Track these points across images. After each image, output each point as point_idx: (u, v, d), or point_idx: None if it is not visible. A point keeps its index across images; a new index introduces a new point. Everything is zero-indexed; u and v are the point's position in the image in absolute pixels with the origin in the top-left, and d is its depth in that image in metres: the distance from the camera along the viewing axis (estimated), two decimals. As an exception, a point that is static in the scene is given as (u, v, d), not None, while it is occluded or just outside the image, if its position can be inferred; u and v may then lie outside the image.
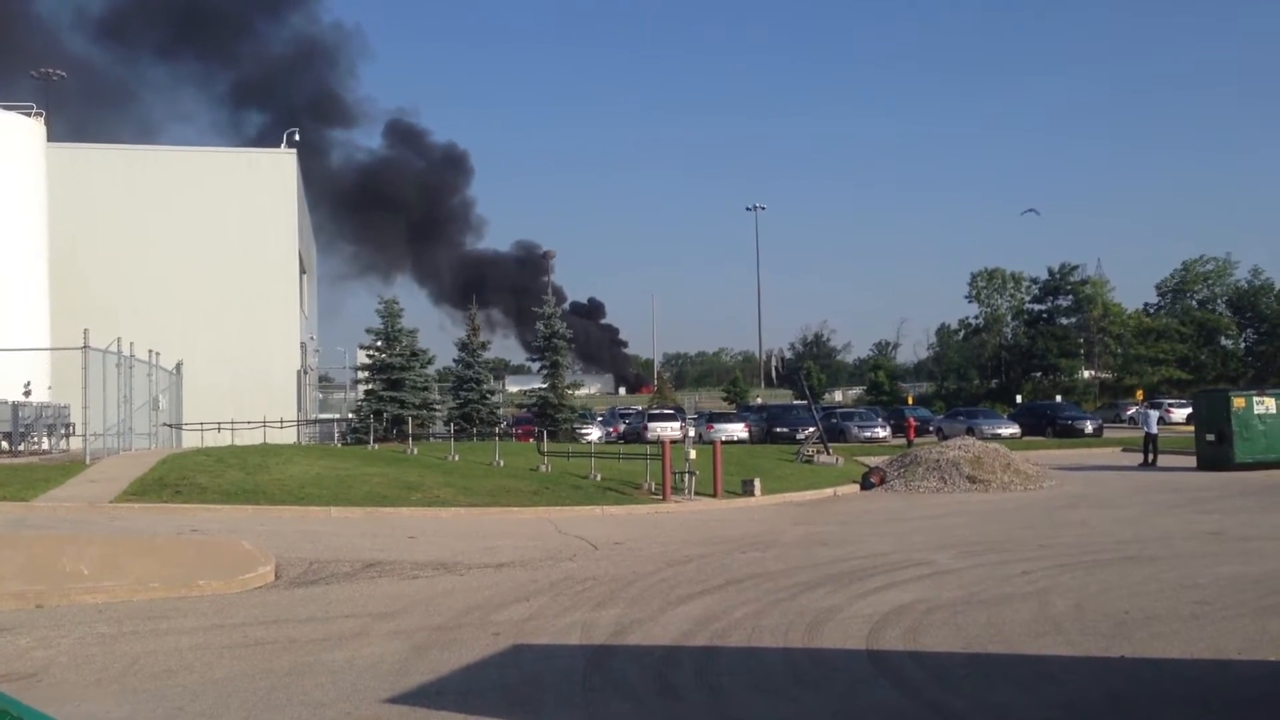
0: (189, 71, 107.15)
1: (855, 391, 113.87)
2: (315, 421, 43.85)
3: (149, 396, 29.31)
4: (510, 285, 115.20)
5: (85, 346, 22.59)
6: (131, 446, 26.56)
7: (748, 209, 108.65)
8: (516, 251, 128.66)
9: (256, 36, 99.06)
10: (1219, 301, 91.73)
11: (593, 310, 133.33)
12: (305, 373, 42.55)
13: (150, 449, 28.15)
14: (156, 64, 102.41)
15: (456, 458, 26.65)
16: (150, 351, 29.32)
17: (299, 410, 39.29)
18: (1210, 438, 28.63)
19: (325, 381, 57.36)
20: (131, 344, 26.37)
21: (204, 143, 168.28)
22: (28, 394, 26.98)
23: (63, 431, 27.94)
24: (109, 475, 20.47)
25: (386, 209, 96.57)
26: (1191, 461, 29.56)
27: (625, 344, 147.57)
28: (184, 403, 34.72)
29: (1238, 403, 28.06)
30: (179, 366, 34.41)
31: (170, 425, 32.67)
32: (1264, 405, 28.10)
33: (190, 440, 31.93)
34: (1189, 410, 50.15)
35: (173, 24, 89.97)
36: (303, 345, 41.84)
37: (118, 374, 25.20)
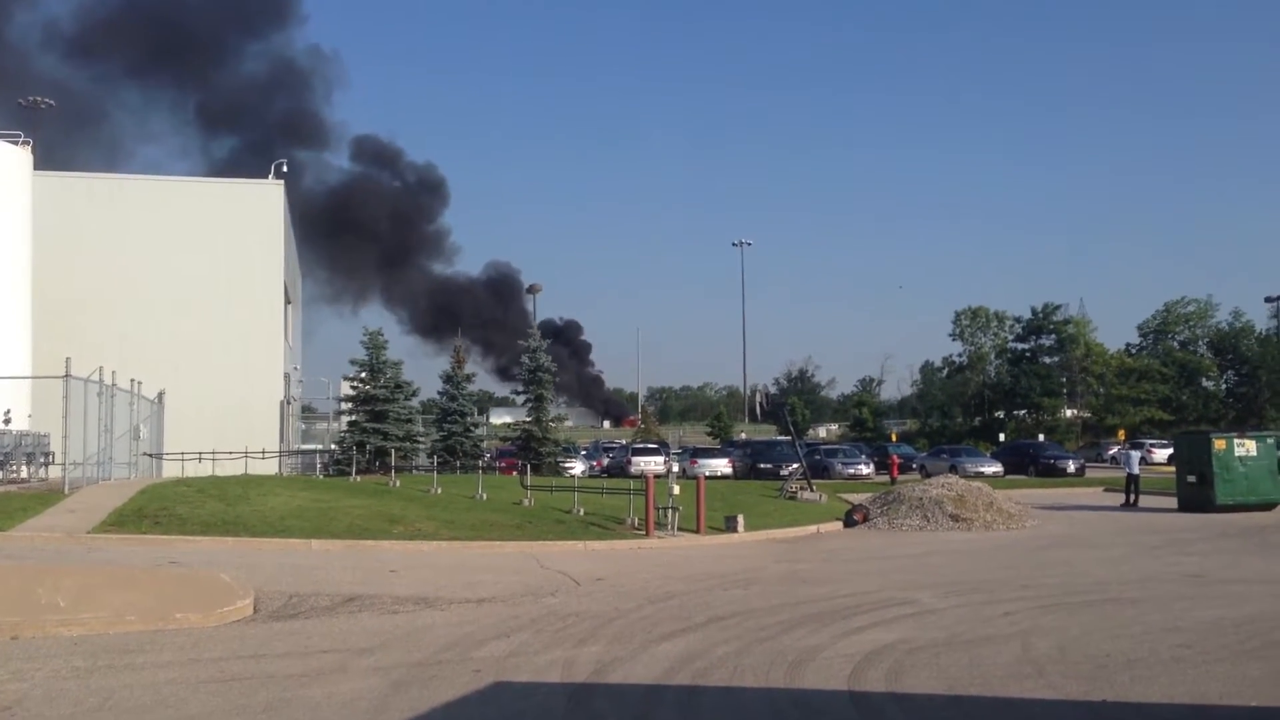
0: (160, 92, 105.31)
1: (834, 427, 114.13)
2: (298, 452, 43.63)
3: (130, 426, 29.12)
4: (483, 312, 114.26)
5: (67, 375, 22.45)
6: (111, 476, 26.36)
7: (734, 244, 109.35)
8: (489, 273, 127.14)
9: (231, 58, 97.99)
10: (1200, 343, 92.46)
11: (567, 330, 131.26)
12: (288, 403, 42.39)
13: (130, 479, 27.93)
14: (128, 84, 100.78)
15: (439, 490, 26.52)
16: (132, 380, 29.16)
17: (281, 441, 39.10)
18: (1191, 479, 28.73)
19: (308, 412, 57.10)
20: (114, 373, 26.22)
21: (173, 164, 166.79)
22: (7, 422, 26.77)
23: (42, 460, 27.72)
24: (88, 505, 20.30)
25: (358, 234, 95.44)
26: (1173, 502, 29.65)
27: (593, 364, 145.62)
28: (165, 432, 34.50)
29: (1219, 445, 28.18)
30: (161, 396, 34.22)
31: (151, 455, 32.45)
32: (1244, 448, 28.22)
33: (171, 470, 31.71)
34: (1170, 451, 50.40)
35: (145, 44, 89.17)
36: (286, 376, 41.69)
37: (99, 403, 25.04)
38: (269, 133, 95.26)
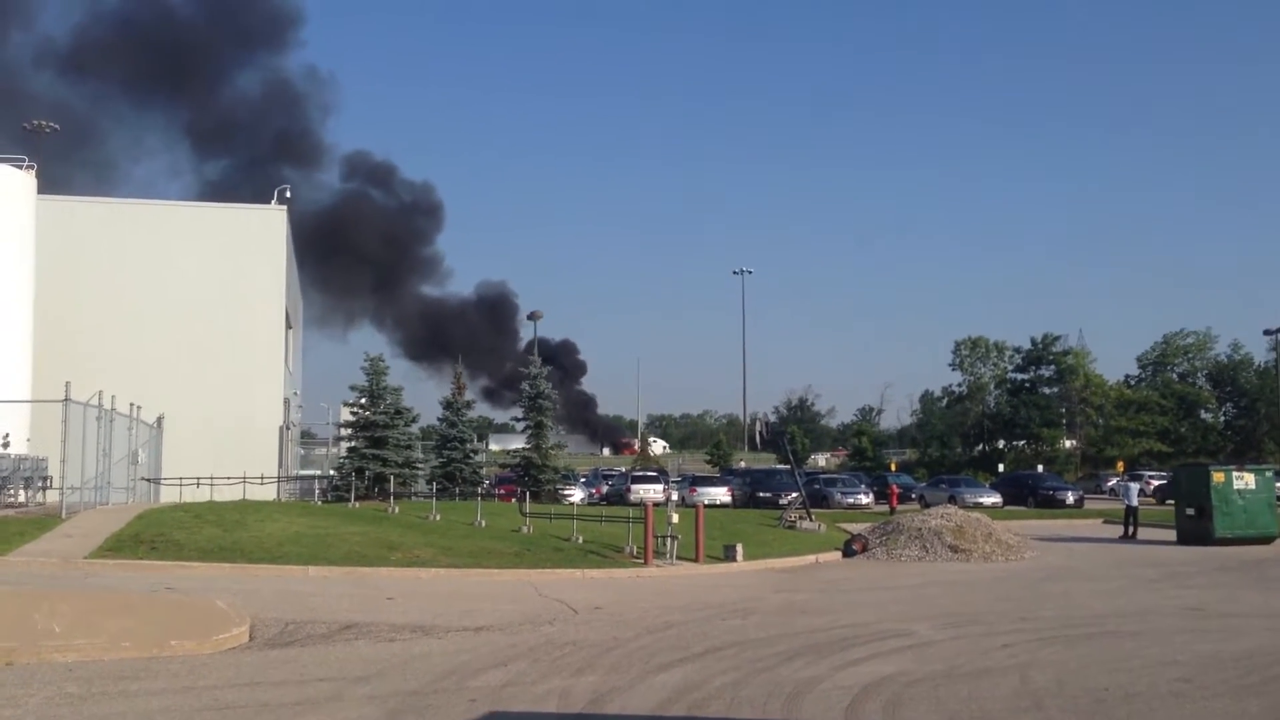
0: (154, 111, 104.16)
1: (826, 454, 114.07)
2: (296, 478, 43.57)
3: (128, 450, 29.12)
4: (475, 335, 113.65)
5: (66, 399, 22.48)
6: (109, 501, 26.33)
7: (734, 273, 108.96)
8: (482, 293, 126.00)
9: (226, 77, 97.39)
10: (1199, 375, 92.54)
11: (560, 351, 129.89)
12: (288, 428, 42.36)
13: (128, 503, 27.90)
14: (122, 103, 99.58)
15: (438, 517, 26.49)
16: (131, 405, 29.17)
17: (280, 466, 39.05)
18: (1190, 512, 28.69)
19: (308, 437, 57.05)
20: (113, 397, 26.24)
21: (165, 183, 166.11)
22: (6, 445, 26.77)
23: (40, 484, 27.69)
24: (85, 530, 20.27)
25: (351, 256, 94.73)
26: (1171, 535, 29.60)
27: (583, 386, 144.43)
28: (164, 457, 34.48)
29: (1217, 477, 28.16)
30: (160, 420, 34.23)
31: (149, 480, 32.41)
32: (1243, 481, 28.20)
33: (168, 495, 31.66)
34: (1159, 484, 50.60)
35: (140, 63, 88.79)
36: (286, 401, 41.69)
37: (98, 427, 25.06)
38: (263, 152, 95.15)
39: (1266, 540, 27.79)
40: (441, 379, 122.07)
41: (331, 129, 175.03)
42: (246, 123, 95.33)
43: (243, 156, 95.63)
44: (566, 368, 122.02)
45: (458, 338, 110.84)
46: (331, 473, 42.24)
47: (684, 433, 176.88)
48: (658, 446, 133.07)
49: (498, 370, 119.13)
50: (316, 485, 39.79)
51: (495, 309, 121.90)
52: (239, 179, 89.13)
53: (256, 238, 39.79)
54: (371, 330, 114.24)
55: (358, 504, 30.75)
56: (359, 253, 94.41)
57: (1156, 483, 55.07)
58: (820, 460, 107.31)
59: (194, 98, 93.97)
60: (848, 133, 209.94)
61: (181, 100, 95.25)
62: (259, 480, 34.09)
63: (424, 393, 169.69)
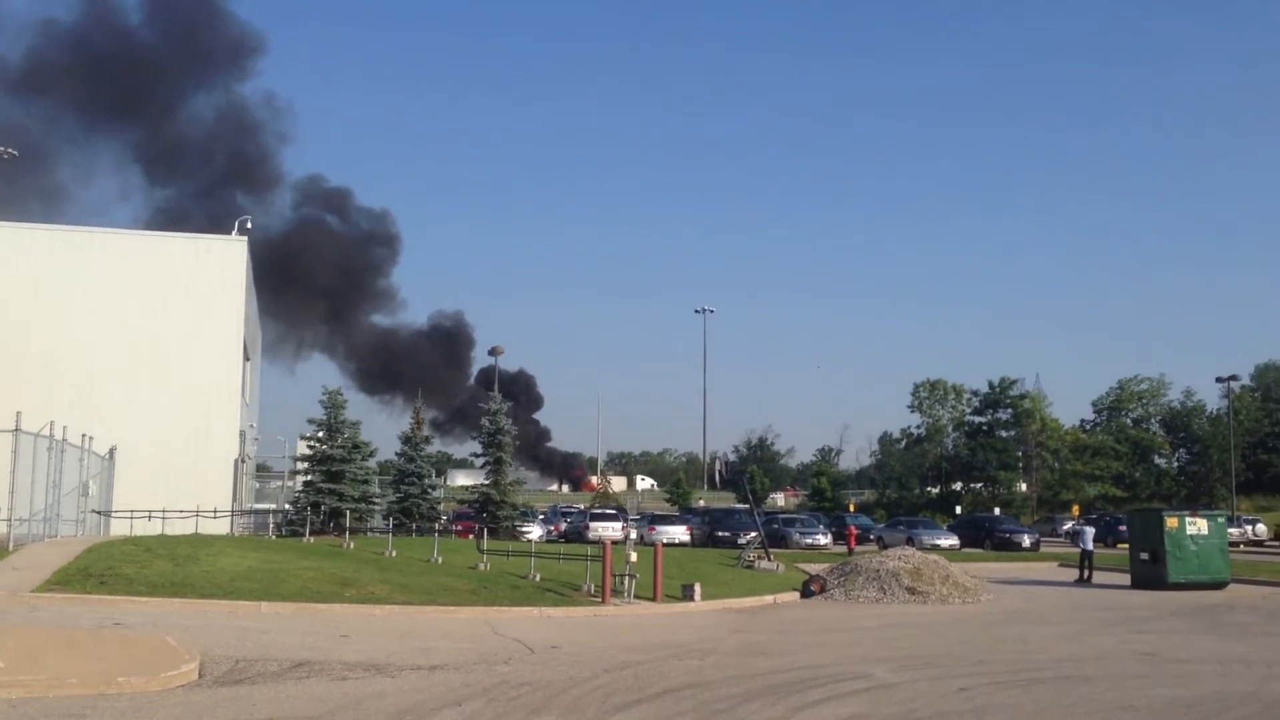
0: (106, 134, 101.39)
1: (779, 493, 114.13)
2: (251, 512, 42.99)
3: (79, 482, 28.62)
4: (427, 368, 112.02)
5: (17, 429, 22.10)
6: (58, 533, 25.84)
7: (696, 311, 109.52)
8: (435, 323, 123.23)
9: (182, 102, 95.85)
10: (1153, 420, 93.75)
11: (515, 381, 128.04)
12: (243, 461, 41.83)
13: (77, 536, 27.40)
14: (73, 125, 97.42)
15: (394, 553, 26.24)
16: (84, 436, 28.70)
17: (234, 500, 38.52)
18: (1144, 556, 28.97)
19: (263, 470, 56.34)
20: (65, 428, 25.81)
21: (116, 206, 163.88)
22: (-48, 475, 26.22)
23: (-14, 516, 27.11)
24: (32, 563, 19.86)
25: (302, 286, 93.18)
26: (1126, 579, 29.86)
27: (535, 416, 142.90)
28: (115, 489, 33.90)
29: (1171, 523, 28.47)
30: (112, 452, 33.68)
31: (99, 512, 31.85)
32: (1196, 526, 28.53)
33: (119, 528, 31.12)
34: (1122, 527, 50.94)
35: (93, 87, 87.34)
36: (242, 433, 41.19)
37: (48, 458, 24.61)
38: (217, 178, 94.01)
39: (1219, 585, 28.10)
40: (393, 412, 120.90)
41: (289, 155, 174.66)
42: (201, 148, 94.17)
43: (196, 182, 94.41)
44: (519, 398, 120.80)
45: (410, 370, 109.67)
46: (287, 507, 41.71)
47: (644, 470, 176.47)
48: (620, 482, 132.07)
49: (448, 403, 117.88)
50: (271, 519, 39.27)
51: (449, 340, 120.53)
52: (191, 205, 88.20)
53: (216, 268, 39.41)
54: (321, 361, 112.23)
55: (313, 539, 30.38)
56: (311, 282, 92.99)
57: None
58: (779, 500, 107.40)
59: (149, 123, 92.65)
60: (808, 176, 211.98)
61: (135, 125, 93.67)
62: (212, 514, 33.61)
63: (374, 425, 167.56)
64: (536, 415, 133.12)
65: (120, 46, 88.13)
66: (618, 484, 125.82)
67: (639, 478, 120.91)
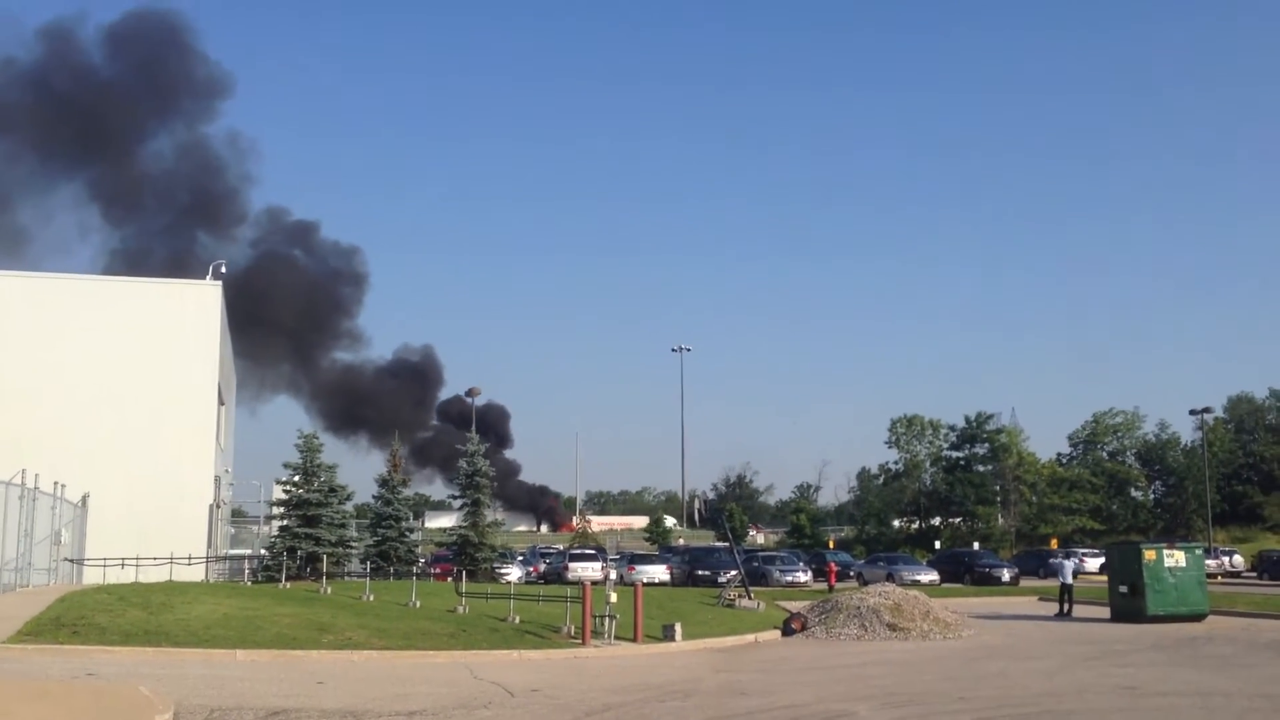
0: (68, 173, 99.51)
1: (765, 529, 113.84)
2: (226, 558, 42.58)
3: (51, 530, 28.29)
4: (390, 406, 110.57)
5: (-12, 477, 21.87)
6: (29, 583, 25.51)
7: (673, 350, 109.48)
8: (402, 356, 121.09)
9: (145, 140, 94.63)
10: (1128, 453, 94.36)
11: (486, 415, 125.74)
12: (218, 507, 41.48)
13: (49, 585, 27.05)
14: (32, 163, 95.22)
15: (371, 597, 26.03)
16: (56, 483, 28.41)
17: (209, 546, 38.15)
18: (1123, 589, 29.04)
19: (238, 515, 55.84)
20: (37, 476, 25.56)
21: (74, 245, 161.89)
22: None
23: (-44, 566, 26.75)
24: (3, 614, 19.54)
25: (267, 323, 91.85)
26: (1105, 612, 29.91)
27: (505, 454, 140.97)
28: (88, 537, 33.52)
29: (1149, 555, 28.57)
30: (85, 499, 33.33)
31: (72, 561, 31.46)
32: (1174, 559, 28.64)
33: (92, 576, 30.75)
34: (1102, 560, 51.04)
35: (54, 126, 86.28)
36: (217, 479, 40.88)
37: (20, 507, 24.37)
38: (178, 216, 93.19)
39: (1198, 618, 28.18)
40: (358, 452, 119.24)
41: (254, 195, 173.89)
42: (162, 188, 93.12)
43: (156, 222, 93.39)
44: (485, 433, 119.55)
45: (374, 412, 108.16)
46: (263, 552, 41.34)
47: (623, 509, 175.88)
48: (610, 521, 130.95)
49: (410, 439, 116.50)
50: (246, 565, 38.91)
51: (415, 376, 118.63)
52: (152, 244, 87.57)
53: (190, 313, 39.28)
54: (285, 403, 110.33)
55: (289, 584, 30.10)
56: (276, 320, 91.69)
57: (1092, 561, 55.75)
58: (759, 538, 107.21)
59: (109, 162, 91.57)
60: (786, 216, 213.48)
61: (95, 164, 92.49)
62: (187, 561, 33.26)
63: (343, 466, 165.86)
64: (507, 452, 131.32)
65: (81, 86, 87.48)
66: (603, 522, 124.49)
67: (586, 516, 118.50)
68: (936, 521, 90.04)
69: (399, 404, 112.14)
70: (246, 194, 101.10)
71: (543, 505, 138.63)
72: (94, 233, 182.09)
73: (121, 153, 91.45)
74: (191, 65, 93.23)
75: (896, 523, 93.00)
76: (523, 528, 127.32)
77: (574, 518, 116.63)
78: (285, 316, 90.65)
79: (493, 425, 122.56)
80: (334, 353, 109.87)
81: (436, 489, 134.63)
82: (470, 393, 69.60)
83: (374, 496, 42.73)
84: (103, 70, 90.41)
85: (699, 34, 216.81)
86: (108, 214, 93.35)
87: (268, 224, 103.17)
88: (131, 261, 79.41)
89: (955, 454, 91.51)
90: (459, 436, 44.04)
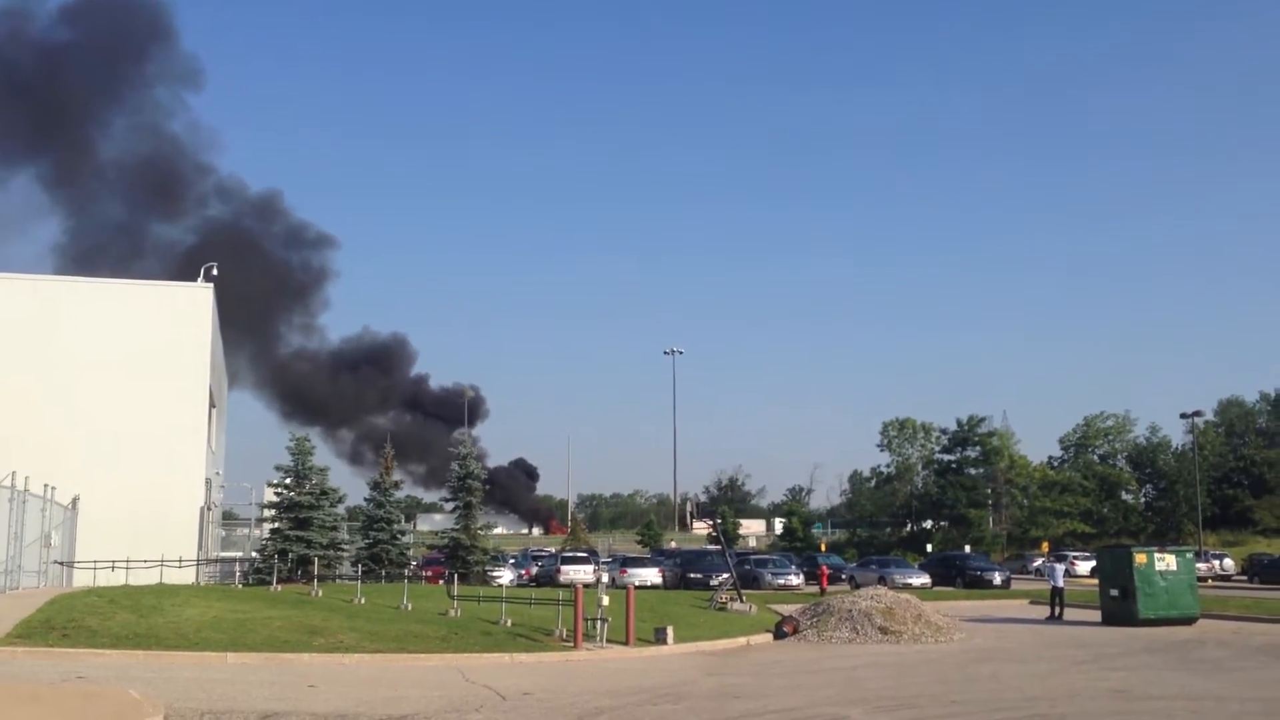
0: (22, 165, 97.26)
1: (753, 526, 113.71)
2: (216, 560, 42.45)
3: (41, 533, 28.18)
4: (351, 394, 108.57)
5: (-23, 480, 21.78)
6: (19, 585, 25.41)
7: (665, 353, 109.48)
8: (365, 343, 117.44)
9: (106, 129, 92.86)
10: (1119, 457, 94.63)
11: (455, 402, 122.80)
12: (209, 509, 41.36)
13: (39, 588, 26.95)
14: None
15: (363, 600, 25.97)
16: (46, 486, 28.30)
17: (200, 549, 38.03)
18: (1114, 593, 29.07)
19: (229, 518, 55.69)
20: (27, 478, 25.46)
21: (25, 239, 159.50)
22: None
23: (-54, 568, 26.64)
24: (-8, 616, 19.48)
25: (229, 312, 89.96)
26: (1096, 615, 29.94)
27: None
28: (78, 540, 33.40)
29: (1140, 559, 28.61)
30: (75, 502, 33.21)
31: (62, 563, 31.35)
32: (1165, 562, 28.68)
33: (82, 579, 30.64)
34: (1093, 564, 51.11)
35: (4, 113, 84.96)
36: (208, 481, 40.76)
37: (10, 509, 24.28)
38: (140, 210, 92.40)
39: (1189, 621, 28.22)
40: (317, 442, 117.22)
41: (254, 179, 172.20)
42: (121, 178, 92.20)
43: (116, 213, 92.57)
44: (446, 419, 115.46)
45: (337, 403, 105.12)
46: (254, 555, 41.24)
47: (615, 512, 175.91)
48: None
49: (367, 427, 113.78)
50: (237, 568, 38.79)
51: (377, 362, 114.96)
52: (109, 238, 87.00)
53: (182, 316, 39.14)
54: (244, 397, 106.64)
55: (280, 587, 30.00)
56: (240, 307, 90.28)
57: (1083, 564, 55.91)
58: (751, 540, 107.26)
59: (66, 152, 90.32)
60: (776, 216, 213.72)
61: (50, 154, 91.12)
62: (177, 563, 33.16)
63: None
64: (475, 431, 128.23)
65: (36, 73, 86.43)
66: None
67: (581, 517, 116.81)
68: (928, 524, 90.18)
69: (360, 391, 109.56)
70: (207, 186, 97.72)
71: (543, 513, 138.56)
72: (47, 217, 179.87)
73: (78, 138, 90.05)
74: (161, 51, 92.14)
75: (888, 526, 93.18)
76: (501, 530, 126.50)
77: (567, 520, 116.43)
78: (252, 301, 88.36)
79: (450, 411, 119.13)
80: (300, 343, 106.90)
81: (413, 488, 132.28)
82: (463, 394, 69.59)
83: (365, 499, 42.67)
84: (60, 52, 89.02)
85: (690, 30, 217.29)
86: (65, 204, 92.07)
87: (228, 198, 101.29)
88: (85, 254, 78.78)
89: (947, 457, 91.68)
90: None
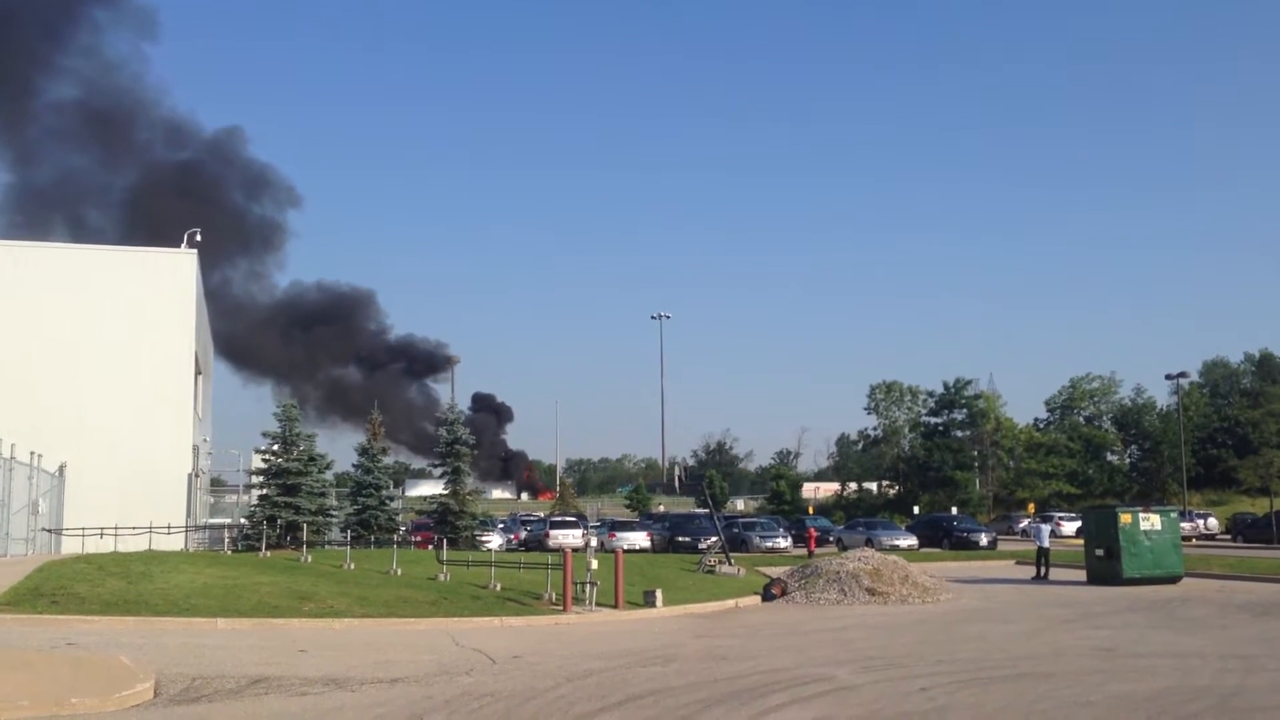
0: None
1: (744, 495, 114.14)
2: (205, 527, 42.45)
3: (29, 500, 28.11)
4: (320, 343, 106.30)
5: (-37, 448, 21.68)
6: (7, 553, 25.39)
7: (653, 317, 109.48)
8: (323, 295, 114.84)
9: (54, 79, 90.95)
10: (1105, 418, 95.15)
11: (432, 356, 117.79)
12: (196, 476, 41.29)
13: (27, 555, 26.91)
14: None
15: (352, 566, 26.01)
16: (32, 453, 28.21)
17: (188, 515, 38.00)
18: (1099, 553, 29.31)
19: (217, 485, 55.63)
20: (13, 445, 25.36)
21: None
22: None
23: (-68, 536, 26.59)
24: (-20, 583, 19.46)
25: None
26: (1082, 575, 30.20)
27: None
28: (66, 506, 33.34)
29: (1124, 519, 28.83)
30: (62, 469, 33.13)
31: (50, 530, 31.30)
32: (1149, 522, 28.92)
33: (71, 546, 30.61)
34: (1079, 524, 51.50)
35: None
36: (195, 448, 40.68)
37: (-4, 476, 24.19)
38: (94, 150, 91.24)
39: (1173, 580, 28.51)
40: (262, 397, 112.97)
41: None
42: (69, 126, 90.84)
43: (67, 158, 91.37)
44: (420, 373, 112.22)
45: (299, 351, 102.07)
46: (242, 521, 41.22)
47: (603, 477, 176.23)
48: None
49: (323, 382, 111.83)
50: (226, 534, 38.77)
51: (336, 313, 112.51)
52: (60, 195, 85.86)
53: (165, 282, 38.91)
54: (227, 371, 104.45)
55: (269, 553, 30.02)
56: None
57: (1069, 525, 56.35)
58: (739, 504, 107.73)
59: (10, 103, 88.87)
60: (765, 185, 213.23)
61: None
62: (166, 530, 33.13)
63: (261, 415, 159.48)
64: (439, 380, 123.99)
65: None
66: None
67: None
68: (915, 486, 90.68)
69: (312, 348, 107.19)
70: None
71: (518, 472, 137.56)
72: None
73: (26, 87, 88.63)
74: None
75: (875, 488, 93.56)
76: (500, 494, 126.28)
77: (555, 488, 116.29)
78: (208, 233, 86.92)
79: (427, 358, 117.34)
80: (245, 288, 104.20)
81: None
82: (450, 360, 69.39)
83: (354, 465, 42.61)
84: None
85: (686, 5, 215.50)
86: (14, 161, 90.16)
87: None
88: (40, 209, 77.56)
89: (934, 420, 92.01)
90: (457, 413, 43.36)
